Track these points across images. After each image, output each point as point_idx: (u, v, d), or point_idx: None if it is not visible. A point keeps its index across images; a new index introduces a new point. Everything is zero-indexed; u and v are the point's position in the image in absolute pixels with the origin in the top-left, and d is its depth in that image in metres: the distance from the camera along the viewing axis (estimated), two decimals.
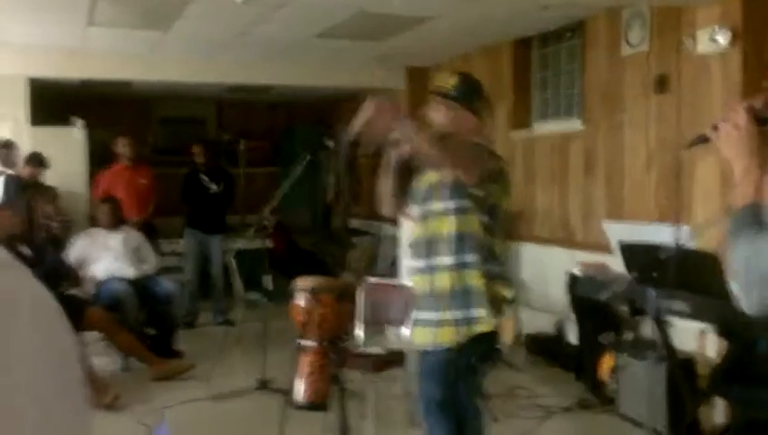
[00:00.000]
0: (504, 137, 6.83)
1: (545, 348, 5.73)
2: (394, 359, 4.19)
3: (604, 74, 5.65)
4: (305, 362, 4.11)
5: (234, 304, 7.25)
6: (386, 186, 2.84)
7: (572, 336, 5.44)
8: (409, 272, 2.85)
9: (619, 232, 3.87)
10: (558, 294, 5.78)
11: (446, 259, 2.68)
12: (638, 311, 3.80)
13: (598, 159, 5.73)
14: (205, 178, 7.19)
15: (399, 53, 7.38)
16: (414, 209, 2.82)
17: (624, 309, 4.11)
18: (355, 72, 8.11)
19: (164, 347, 5.71)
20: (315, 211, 9.70)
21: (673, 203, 4.91)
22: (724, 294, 3.57)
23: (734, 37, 4.34)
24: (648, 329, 3.94)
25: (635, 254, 3.62)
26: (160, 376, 5.29)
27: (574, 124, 6.05)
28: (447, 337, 2.66)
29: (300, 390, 3.99)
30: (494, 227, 2.73)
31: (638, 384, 4.01)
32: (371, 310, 4.42)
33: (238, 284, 7.26)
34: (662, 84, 5.00)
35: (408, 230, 2.81)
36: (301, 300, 4.16)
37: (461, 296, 2.65)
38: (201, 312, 7.13)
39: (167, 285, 5.93)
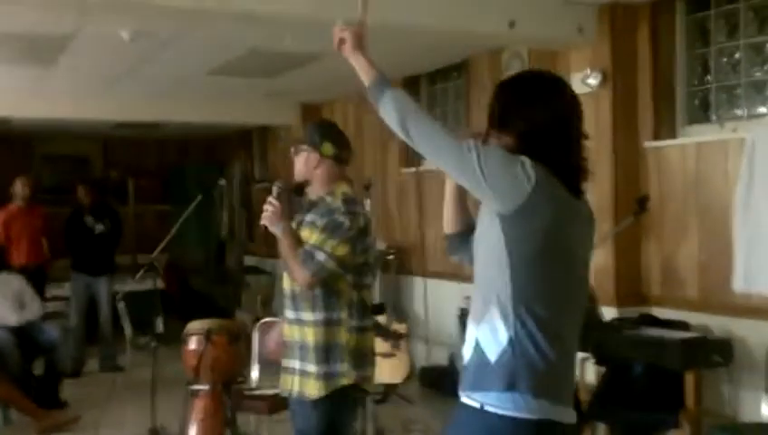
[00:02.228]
0: (396, 173, 6.97)
1: (438, 380, 5.83)
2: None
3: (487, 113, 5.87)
4: (198, 407, 4.02)
5: (123, 348, 7.00)
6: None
7: None
8: (285, 319, 2.89)
9: None
10: (451, 326, 5.91)
11: (312, 315, 2.74)
12: None
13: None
14: (89, 218, 6.94)
15: (292, 90, 7.43)
16: None
17: None
18: (247, 108, 8.10)
19: (49, 397, 5.45)
20: (208, 250, 9.54)
21: None
22: (597, 323, 3.77)
23: (605, 79, 4.63)
24: None
25: None
26: (45, 429, 5.04)
27: None
28: (312, 389, 2.71)
29: None
30: (365, 282, 2.80)
31: None
32: (267, 350, 4.39)
33: (127, 327, 7.02)
34: None
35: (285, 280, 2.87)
36: (192, 343, 4.08)
37: (324, 351, 2.71)
38: (88, 358, 6.85)
39: (51, 331, 5.68)
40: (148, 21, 4.73)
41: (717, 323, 4.12)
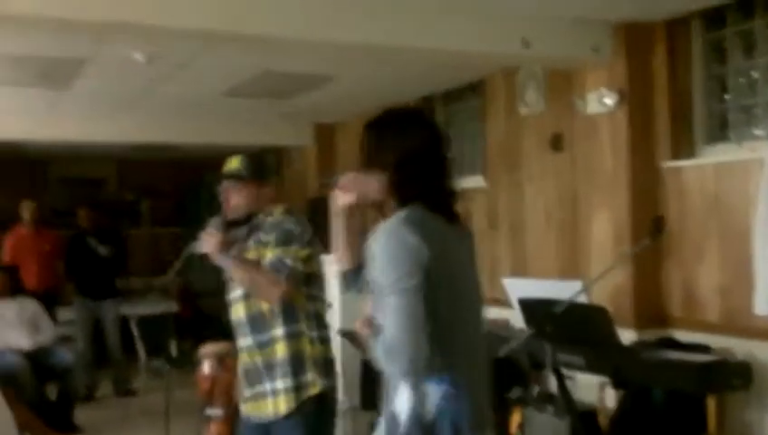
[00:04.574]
0: None
1: None
2: None
3: (503, 133, 5.85)
4: (212, 433, 3.99)
5: (136, 371, 6.96)
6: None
7: None
8: (239, 350, 2.88)
9: (520, 288, 3.97)
10: None
11: (274, 331, 2.76)
12: (538, 365, 3.88)
13: (501, 216, 5.88)
14: (92, 241, 6.88)
15: (306, 111, 7.44)
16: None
17: (525, 363, 4.19)
18: (263, 129, 8.11)
19: (63, 422, 5.43)
20: (222, 273, 9.50)
21: (571, 258, 5.09)
22: (615, 345, 3.70)
23: (621, 98, 4.58)
24: (552, 383, 4.02)
25: (532, 309, 3.72)
26: None
27: (477, 181, 6.22)
28: (283, 405, 2.73)
29: None
30: (317, 293, 2.85)
31: None
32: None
33: (141, 351, 6.99)
34: (557, 143, 5.22)
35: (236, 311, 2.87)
36: (206, 368, 4.05)
37: (292, 364, 2.74)
38: (101, 382, 6.82)
39: (64, 356, 5.67)
40: (162, 44, 4.76)
41: (739, 346, 4.03)
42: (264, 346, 2.78)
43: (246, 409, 2.87)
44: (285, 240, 2.74)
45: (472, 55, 4.67)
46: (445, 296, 1.86)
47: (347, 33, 4.11)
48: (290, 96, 6.64)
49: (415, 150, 1.95)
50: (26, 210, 6.86)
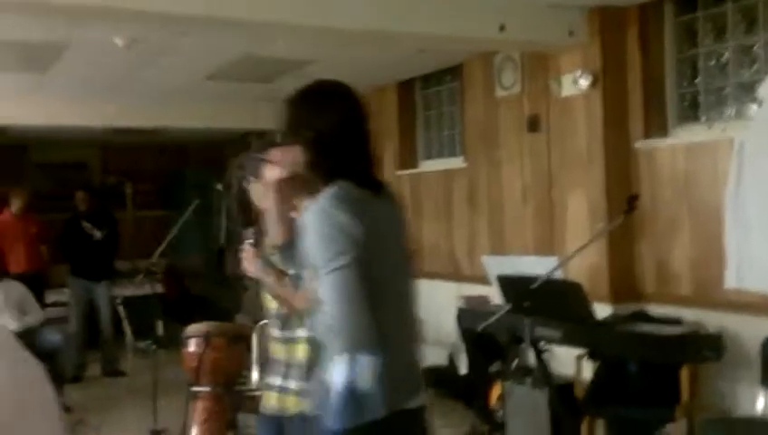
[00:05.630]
0: (392, 175, 7.03)
1: (438, 380, 5.88)
2: None
3: (481, 114, 5.95)
4: (200, 409, 4.08)
5: (124, 352, 7.05)
6: None
7: (464, 367, 5.63)
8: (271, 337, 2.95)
9: (498, 265, 4.09)
10: (449, 326, 5.97)
11: (303, 331, 2.79)
12: (517, 339, 4.01)
13: (480, 196, 6.00)
14: (87, 224, 6.99)
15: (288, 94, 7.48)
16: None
17: (504, 338, 4.32)
18: (245, 113, 8.13)
19: None
20: (208, 254, 9.59)
21: (547, 236, 5.22)
22: (590, 319, 3.84)
23: (595, 80, 4.70)
24: (530, 356, 4.16)
25: (509, 285, 3.85)
26: None
27: (457, 162, 6.33)
28: (293, 406, 2.77)
29: None
30: None
31: (522, 409, 4.21)
32: (267, 351, 4.44)
33: (128, 331, 7.08)
34: (534, 124, 5.34)
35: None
36: (192, 346, 4.13)
37: (309, 368, 2.75)
38: (90, 363, 6.90)
39: (52, 337, 5.73)
40: (139, 27, 4.76)
41: (711, 319, 4.18)
42: (289, 343, 2.79)
43: (263, 398, 2.94)
44: None
45: (450, 40, 4.75)
46: (377, 269, 1.91)
47: (327, 17, 4.18)
48: (272, 80, 6.68)
49: (332, 126, 1.95)
50: (18, 198, 6.95)
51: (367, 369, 1.90)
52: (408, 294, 2.08)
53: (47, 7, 3.75)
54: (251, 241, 2.82)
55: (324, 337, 1.94)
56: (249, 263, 2.78)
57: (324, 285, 1.87)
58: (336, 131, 1.95)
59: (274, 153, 2.07)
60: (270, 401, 2.85)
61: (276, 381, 2.83)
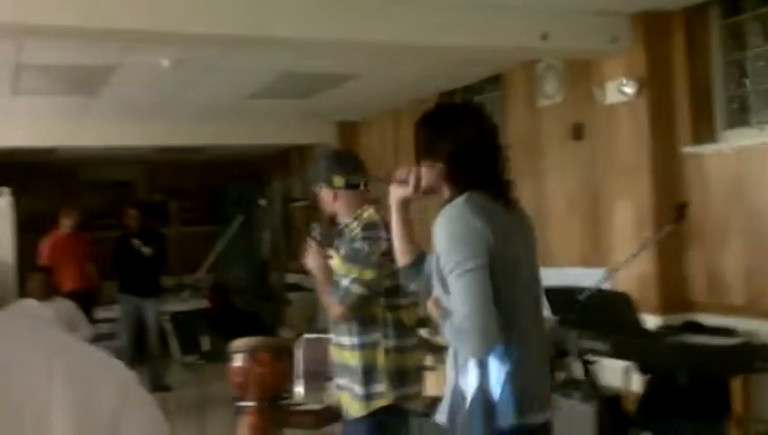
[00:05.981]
0: None
1: None
2: (335, 414, 4.20)
3: (524, 124, 5.90)
4: (246, 424, 4.09)
5: (170, 367, 7.13)
6: None
7: None
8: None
9: (545, 277, 4.02)
10: None
11: (349, 339, 2.82)
12: (563, 353, 3.94)
13: (524, 207, 5.92)
14: (136, 241, 7.13)
15: (329, 109, 7.53)
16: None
17: (551, 351, 4.25)
18: (287, 128, 8.22)
19: None
20: (252, 269, 9.67)
21: (594, 246, 5.13)
22: (640, 331, 3.75)
23: (640, 87, 4.62)
24: (577, 369, 4.08)
25: (556, 297, 3.78)
26: None
27: None
28: (354, 409, 2.81)
29: None
30: (399, 303, 2.82)
31: (570, 423, 4.13)
32: (311, 366, 4.44)
33: (175, 346, 7.16)
34: (577, 132, 5.27)
35: None
36: (237, 361, 4.15)
37: (364, 373, 2.78)
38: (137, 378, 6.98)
39: None
40: (186, 49, 4.87)
41: (763, 329, 4.06)
42: (341, 348, 2.86)
43: (333, 394, 3.01)
44: (352, 259, 2.75)
45: (493, 50, 4.73)
46: (507, 280, 1.91)
47: (367, 32, 4.20)
48: (312, 95, 6.73)
49: (469, 140, 2.01)
50: (69, 217, 7.12)
51: (497, 376, 1.89)
52: (538, 309, 2.08)
53: (102, 33, 3.84)
54: (317, 237, 2.85)
55: (454, 342, 1.93)
56: (311, 257, 2.82)
57: (455, 287, 1.87)
58: (474, 144, 2.02)
59: (400, 173, 2.08)
60: (337, 401, 2.93)
61: (342, 382, 2.89)
